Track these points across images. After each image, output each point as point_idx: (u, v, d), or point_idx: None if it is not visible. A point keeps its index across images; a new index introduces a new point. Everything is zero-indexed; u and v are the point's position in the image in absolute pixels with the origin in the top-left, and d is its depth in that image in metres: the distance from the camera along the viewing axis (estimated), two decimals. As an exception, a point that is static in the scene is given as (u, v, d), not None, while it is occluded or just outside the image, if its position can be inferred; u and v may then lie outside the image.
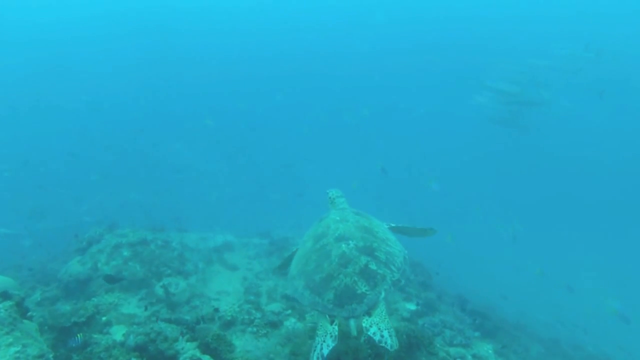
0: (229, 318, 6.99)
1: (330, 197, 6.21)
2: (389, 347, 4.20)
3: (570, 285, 15.27)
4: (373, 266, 4.70)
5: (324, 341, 4.40)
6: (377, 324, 4.37)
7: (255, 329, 6.76)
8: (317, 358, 4.31)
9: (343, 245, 4.84)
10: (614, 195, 32.03)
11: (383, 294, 4.58)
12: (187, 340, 5.65)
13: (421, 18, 45.69)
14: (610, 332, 14.77)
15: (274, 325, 7.01)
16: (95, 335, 6.65)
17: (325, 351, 4.32)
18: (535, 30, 35.84)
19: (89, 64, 43.88)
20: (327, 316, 4.56)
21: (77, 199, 19.83)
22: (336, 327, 4.49)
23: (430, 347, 6.58)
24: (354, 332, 4.52)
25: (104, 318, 7.18)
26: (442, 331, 8.30)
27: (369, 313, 4.46)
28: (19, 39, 42.81)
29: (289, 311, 7.94)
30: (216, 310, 7.22)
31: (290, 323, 7.47)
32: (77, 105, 34.49)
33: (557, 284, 15.19)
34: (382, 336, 4.29)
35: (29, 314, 6.21)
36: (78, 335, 6.64)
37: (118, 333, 6.79)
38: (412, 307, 9.40)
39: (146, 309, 7.36)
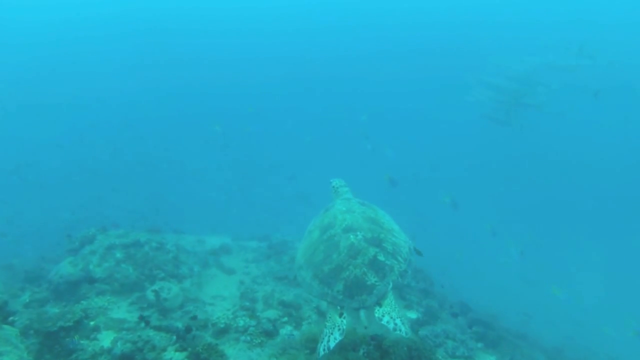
0: (222, 325, 6.70)
1: (333, 187, 6.22)
2: (403, 334, 4.35)
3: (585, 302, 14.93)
4: (381, 257, 4.76)
5: (332, 333, 4.48)
6: (389, 314, 4.49)
7: (249, 338, 6.46)
8: (324, 350, 4.42)
9: (351, 236, 4.88)
10: (620, 201, 31.50)
11: (391, 285, 4.69)
12: (176, 350, 5.36)
13: (418, 19, 45.40)
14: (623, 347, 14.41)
15: (269, 334, 6.72)
16: (82, 341, 6.37)
17: (332, 344, 4.41)
18: (531, 30, 35.54)
19: (87, 64, 43.59)
20: (337, 308, 4.61)
21: (59, 198, 19.57)
22: (344, 321, 4.55)
23: (432, 360, 6.28)
24: (365, 322, 4.78)
25: (92, 323, 6.89)
26: (444, 342, 7.99)
27: (379, 303, 4.55)
28: (16, 39, 42.53)
29: (286, 318, 7.66)
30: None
31: (287, 331, 7.18)
32: (72, 105, 34.26)
33: (569, 297, 14.73)
34: (395, 324, 4.41)
35: (11, 318, 5.95)
36: (75, 337, 6.41)
37: (106, 339, 6.50)
38: (413, 315, 9.10)
39: (142, 319, 6.93)
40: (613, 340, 14.26)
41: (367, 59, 47.07)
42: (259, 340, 6.41)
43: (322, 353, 4.42)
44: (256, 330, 6.69)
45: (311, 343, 5.68)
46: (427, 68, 44.82)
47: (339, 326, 4.51)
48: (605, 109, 33.55)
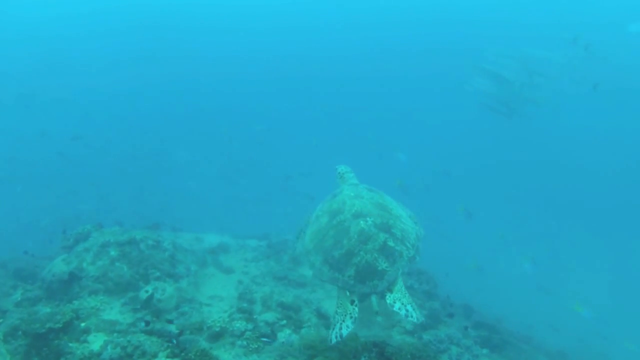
0: (217, 329, 6.42)
1: (339, 173, 6.24)
2: (415, 320, 4.44)
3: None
4: (391, 243, 4.77)
5: (344, 321, 4.50)
6: (400, 300, 4.55)
7: (245, 343, 6.18)
8: (336, 337, 4.42)
9: (361, 222, 4.87)
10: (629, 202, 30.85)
11: (401, 270, 4.74)
12: (168, 356, 5.08)
13: (419, 18, 44.80)
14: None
15: (267, 338, 6.43)
16: (71, 344, 6.12)
17: (345, 332, 4.43)
18: (527, 28, 35.02)
19: (83, 60, 43.19)
20: (347, 294, 4.66)
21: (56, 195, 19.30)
22: (356, 308, 4.58)
23: (437, 368, 6.02)
24: (376, 308, 4.72)
25: (82, 324, 6.62)
26: (448, 348, 7.71)
27: (389, 289, 4.61)
28: (11, 35, 42.20)
29: (284, 321, 7.37)
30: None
31: (285, 335, 6.90)
32: (67, 100, 33.88)
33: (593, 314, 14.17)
34: (407, 310, 4.48)
35: (-4, 320, 5.70)
36: (65, 338, 6.21)
37: (97, 342, 6.24)
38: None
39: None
40: (633, 354, 13.85)
41: (367, 58, 46.53)
42: (256, 346, 6.13)
43: (334, 340, 4.41)
44: (253, 334, 6.42)
45: (310, 350, 5.41)
46: (429, 67, 44.29)
47: (350, 314, 4.54)
48: (606, 108, 33.16)
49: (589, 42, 21.42)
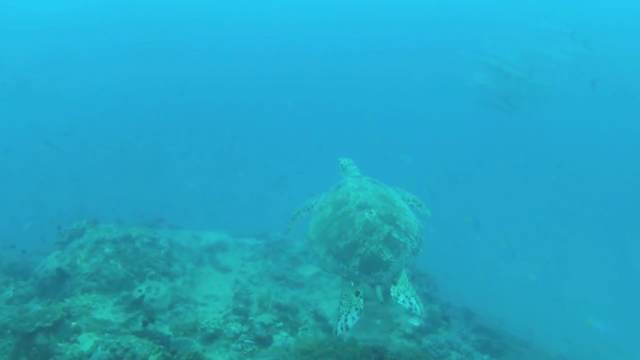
0: (212, 331, 6.25)
1: (342, 165, 6.30)
2: (419, 314, 4.50)
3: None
4: (395, 235, 4.79)
5: (349, 312, 4.51)
6: (404, 292, 4.56)
7: (240, 346, 6.01)
8: (342, 329, 4.42)
9: (366, 213, 4.91)
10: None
11: (405, 262, 4.77)
12: (159, 359, 4.91)
13: (420, 16, 44.54)
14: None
15: (262, 341, 6.26)
16: (61, 344, 5.94)
17: (350, 323, 4.43)
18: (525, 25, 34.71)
19: (79, 54, 42.89)
20: (352, 285, 4.68)
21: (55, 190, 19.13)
22: (361, 300, 4.58)
23: (437, 375, 5.85)
24: (381, 299, 4.76)
25: (73, 324, 6.45)
26: (448, 353, 7.53)
27: (394, 281, 4.61)
28: (12, 28, 41.99)
29: (281, 323, 7.19)
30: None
31: (281, 338, 6.72)
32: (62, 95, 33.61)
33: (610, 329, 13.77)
34: (410, 303, 4.48)
35: (-18, 319, 5.54)
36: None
37: (87, 342, 6.07)
38: (415, 323, 8.61)
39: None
40: None
41: (371, 58, 46.19)
42: (250, 349, 5.96)
43: (340, 332, 4.43)
44: (248, 337, 6.25)
45: (306, 355, 5.23)
46: (435, 66, 43.90)
47: (356, 305, 4.55)
48: (608, 107, 32.85)
49: (587, 38, 21.16)
